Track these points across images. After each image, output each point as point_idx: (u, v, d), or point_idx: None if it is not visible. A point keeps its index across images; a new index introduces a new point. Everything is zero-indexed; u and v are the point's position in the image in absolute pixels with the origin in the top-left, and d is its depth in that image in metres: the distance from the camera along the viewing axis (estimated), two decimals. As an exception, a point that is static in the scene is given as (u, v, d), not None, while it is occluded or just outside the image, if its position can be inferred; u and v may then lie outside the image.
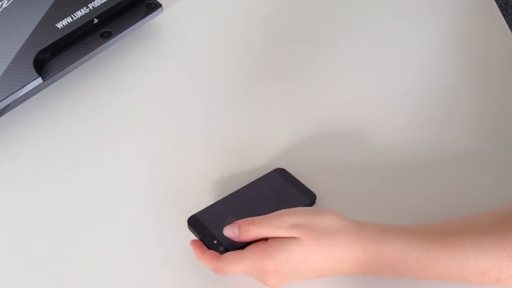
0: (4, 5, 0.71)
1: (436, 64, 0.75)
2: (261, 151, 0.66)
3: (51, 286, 0.56)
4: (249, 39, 0.78)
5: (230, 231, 0.52)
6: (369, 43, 0.77)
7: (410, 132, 0.68)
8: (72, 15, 0.71)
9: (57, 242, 0.59)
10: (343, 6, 0.81)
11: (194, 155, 0.66)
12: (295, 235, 0.50)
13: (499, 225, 0.51)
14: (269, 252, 0.50)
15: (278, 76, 0.74)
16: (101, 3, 0.72)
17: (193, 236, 0.57)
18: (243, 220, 0.53)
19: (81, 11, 0.71)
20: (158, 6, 0.74)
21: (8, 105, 0.65)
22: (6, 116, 0.67)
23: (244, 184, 0.61)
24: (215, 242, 0.54)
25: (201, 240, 0.56)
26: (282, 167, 0.63)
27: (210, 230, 0.56)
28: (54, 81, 0.69)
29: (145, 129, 0.69)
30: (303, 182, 0.62)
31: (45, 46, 0.68)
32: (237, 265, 0.51)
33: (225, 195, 0.61)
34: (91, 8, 0.71)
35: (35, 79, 0.66)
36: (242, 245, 0.53)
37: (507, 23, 0.82)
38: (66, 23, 0.70)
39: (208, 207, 0.59)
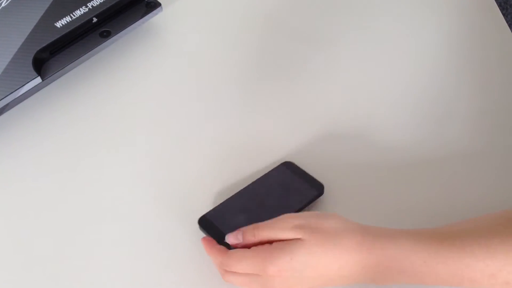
0: (3, 4, 0.71)
1: (436, 64, 0.75)
2: (262, 149, 0.66)
3: (51, 286, 0.56)
4: (249, 38, 0.78)
5: (234, 238, 0.52)
6: (369, 42, 0.77)
7: (410, 130, 0.68)
8: (71, 14, 0.71)
9: (57, 242, 0.59)
10: (343, 6, 0.81)
11: (194, 154, 0.66)
12: (298, 237, 0.50)
13: (506, 226, 0.50)
14: (272, 253, 0.49)
15: (277, 75, 0.74)
16: (100, 2, 0.72)
17: (195, 236, 0.57)
18: (246, 226, 0.52)
19: (80, 10, 0.71)
20: (157, 5, 0.74)
21: (7, 104, 0.65)
22: (5, 115, 0.67)
23: (248, 181, 0.62)
24: (227, 242, 0.54)
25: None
26: (289, 161, 0.63)
27: (221, 230, 0.56)
28: (53, 81, 0.69)
29: (144, 128, 0.68)
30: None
31: (44, 45, 0.68)
32: (241, 263, 0.50)
33: (229, 193, 0.61)
34: (90, 7, 0.71)
35: (34, 79, 0.65)
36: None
37: (507, 22, 0.81)
38: (65, 22, 0.70)
39: (217, 207, 0.59)
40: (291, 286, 0.50)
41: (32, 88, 0.66)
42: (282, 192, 0.60)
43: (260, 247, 0.51)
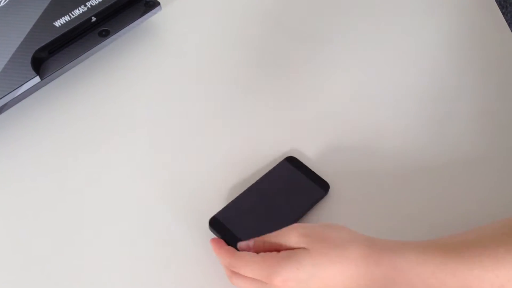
0: (1, 4, 0.71)
1: (436, 63, 0.74)
2: (263, 148, 0.66)
3: (50, 285, 0.56)
4: (248, 38, 0.77)
5: (245, 246, 0.53)
6: (368, 42, 0.77)
7: (412, 131, 0.68)
8: (70, 14, 0.70)
9: (55, 241, 0.59)
10: (343, 6, 0.81)
11: (195, 154, 0.66)
12: (303, 245, 0.49)
13: (510, 235, 0.49)
14: (279, 261, 0.49)
15: (277, 74, 0.73)
16: (99, 2, 0.71)
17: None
18: (257, 238, 0.53)
19: (79, 10, 0.71)
20: (156, 4, 0.74)
21: (6, 104, 0.65)
22: (3, 115, 0.67)
23: (251, 179, 0.62)
24: (237, 242, 0.55)
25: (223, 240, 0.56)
26: (292, 156, 0.64)
27: (232, 231, 0.57)
28: (52, 80, 0.68)
29: (144, 127, 0.68)
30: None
31: (42, 44, 0.67)
32: (248, 266, 0.50)
33: (232, 191, 0.61)
34: (89, 7, 0.71)
35: (32, 78, 0.65)
36: None
37: (506, 21, 0.81)
38: (64, 21, 0.70)
39: (226, 207, 0.59)
40: None
41: (31, 87, 0.66)
42: (289, 190, 0.61)
43: (268, 253, 0.51)
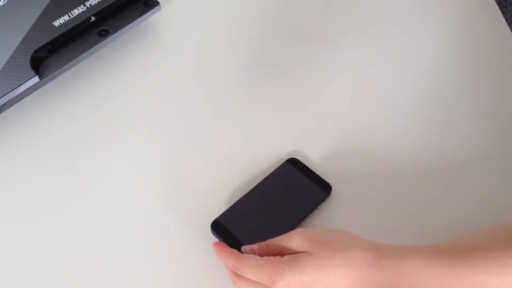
0: (0, 3, 0.71)
1: (436, 64, 0.74)
2: (263, 148, 0.66)
3: (49, 285, 0.56)
4: (248, 37, 0.77)
5: (249, 250, 0.53)
6: (368, 42, 0.77)
7: (413, 132, 0.68)
8: (69, 13, 0.70)
9: (55, 241, 0.59)
10: (343, 6, 0.81)
11: (195, 153, 0.66)
12: (307, 249, 0.49)
13: None
14: (282, 266, 0.49)
15: (277, 74, 0.73)
16: (98, 1, 0.71)
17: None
18: (261, 242, 0.53)
19: (78, 9, 0.71)
20: (155, 4, 0.74)
21: (5, 103, 0.65)
22: (2, 115, 0.67)
23: (252, 181, 0.62)
24: (239, 245, 0.54)
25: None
26: (294, 157, 0.64)
27: (234, 234, 0.56)
28: (51, 80, 0.68)
29: (143, 127, 0.68)
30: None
31: (42, 44, 0.67)
32: (251, 269, 0.50)
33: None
34: (88, 6, 0.71)
35: (31, 78, 0.65)
36: None
37: (507, 20, 0.81)
38: (63, 21, 0.70)
39: (228, 210, 0.59)
40: None
41: (30, 87, 0.66)
42: (291, 191, 0.61)
43: (272, 257, 0.50)
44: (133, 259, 0.58)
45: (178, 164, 0.65)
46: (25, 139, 0.67)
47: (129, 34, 0.76)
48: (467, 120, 0.69)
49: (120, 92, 0.71)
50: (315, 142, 0.66)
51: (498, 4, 0.82)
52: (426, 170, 0.64)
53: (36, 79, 0.66)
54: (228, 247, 0.54)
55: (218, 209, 0.60)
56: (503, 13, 0.85)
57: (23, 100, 0.68)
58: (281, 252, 0.51)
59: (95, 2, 0.71)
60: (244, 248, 0.54)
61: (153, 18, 0.77)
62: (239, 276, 0.52)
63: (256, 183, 0.62)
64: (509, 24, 0.79)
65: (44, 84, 0.68)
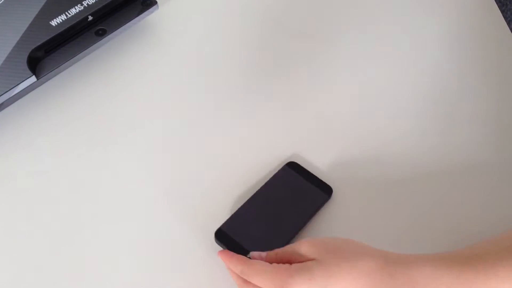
0: (-3, 3, 0.70)
1: (438, 64, 0.74)
2: (263, 149, 0.66)
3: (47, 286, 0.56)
4: (247, 37, 0.77)
5: (257, 256, 0.53)
6: (369, 42, 0.76)
7: (414, 133, 0.67)
8: (66, 13, 0.70)
9: (52, 241, 0.59)
10: (344, 6, 0.80)
11: (194, 154, 0.65)
12: (315, 257, 0.49)
13: None
14: (292, 274, 0.48)
15: (277, 74, 0.73)
16: (95, 1, 0.71)
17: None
18: (269, 251, 0.53)
19: (75, 9, 0.71)
20: (153, 3, 0.73)
21: (2, 103, 0.64)
22: None
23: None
24: (245, 253, 0.54)
25: None
26: (293, 161, 0.63)
27: (239, 242, 0.56)
28: (48, 79, 0.68)
29: (141, 127, 0.68)
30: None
31: (39, 44, 0.67)
32: (260, 275, 0.50)
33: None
34: (86, 6, 0.71)
35: (28, 78, 0.65)
36: None
37: (507, 19, 0.81)
38: (60, 20, 0.70)
39: (231, 218, 0.58)
40: None
41: (27, 87, 0.66)
42: (292, 196, 0.60)
43: (281, 264, 0.50)
44: (135, 259, 0.58)
45: (177, 166, 0.64)
46: (22, 139, 0.67)
47: (126, 33, 0.76)
48: (469, 122, 0.68)
49: (118, 92, 0.71)
50: (315, 144, 0.66)
51: (498, 3, 0.82)
52: (428, 172, 0.64)
53: (33, 79, 0.65)
54: (235, 253, 0.53)
55: (219, 215, 0.59)
56: (503, 11, 0.84)
57: (20, 100, 0.68)
58: (290, 260, 0.51)
59: (93, 2, 0.71)
60: (252, 254, 0.53)
61: (151, 17, 0.77)
62: (246, 282, 0.51)
63: (256, 187, 0.62)
64: (509, 23, 0.79)
65: (41, 84, 0.68)
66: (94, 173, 0.64)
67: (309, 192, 0.61)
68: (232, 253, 0.53)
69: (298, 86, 0.72)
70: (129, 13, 0.73)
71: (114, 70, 0.73)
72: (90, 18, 0.71)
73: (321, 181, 0.62)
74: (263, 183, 0.62)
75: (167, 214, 0.61)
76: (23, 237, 0.59)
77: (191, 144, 0.66)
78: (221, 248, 0.57)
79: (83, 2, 0.71)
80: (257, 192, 0.61)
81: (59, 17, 0.70)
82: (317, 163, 0.64)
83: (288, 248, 0.52)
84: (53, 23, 0.69)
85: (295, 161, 0.64)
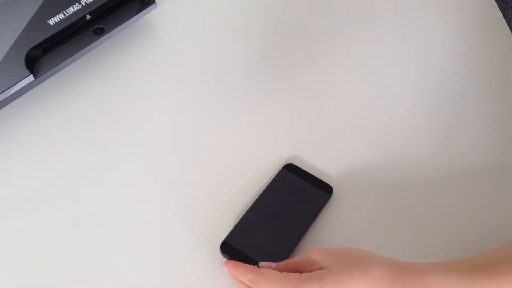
0: (-5, 2, 0.70)
1: (440, 64, 0.74)
2: (262, 150, 0.65)
3: None
4: (246, 36, 0.77)
5: (267, 266, 0.53)
6: (370, 42, 0.76)
7: (414, 133, 0.67)
8: (64, 12, 0.70)
9: (49, 241, 0.59)
10: (344, 6, 0.80)
11: (193, 154, 0.65)
12: (325, 265, 0.49)
13: None
14: (303, 281, 0.48)
15: (276, 73, 0.73)
16: (93, -1, 0.71)
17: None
18: (278, 262, 0.53)
19: (73, 7, 0.70)
20: (151, 2, 0.73)
21: (-1, 103, 0.64)
22: (-3, 114, 0.67)
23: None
24: (252, 263, 0.54)
25: None
26: (290, 163, 0.63)
27: (245, 253, 0.56)
28: (46, 79, 0.68)
29: (139, 126, 0.68)
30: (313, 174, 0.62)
31: (37, 43, 0.67)
32: (270, 284, 0.49)
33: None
34: (84, 4, 0.71)
35: (26, 77, 0.65)
36: None
37: (508, 16, 0.81)
38: (58, 19, 0.69)
39: (234, 228, 0.58)
40: None
41: (25, 86, 0.65)
42: (293, 199, 0.60)
43: (291, 273, 0.50)
44: (133, 260, 0.58)
45: (178, 164, 0.64)
46: (20, 138, 0.67)
47: (125, 32, 0.75)
48: (473, 123, 0.67)
49: (116, 91, 0.71)
50: (312, 145, 0.66)
51: (498, 1, 0.81)
52: (428, 172, 0.64)
53: (31, 78, 0.65)
54: (241, 263, 0.53)
55: (220, 225, 0.59)
56: (504, 9, 0.83)
57: (17, 99, 0.68)
58: (299, 270, 0.51)
59: (91, 0, 0.71)
60: (262, 263, 0.53)
61: (149, 16, 0.77)
62: None
63: (256, 192, 0.61)
64: (509, 21, 0.79)
65: (39, 83, 0.68)
66: (92, 173, 0.64)
67: (309, 193, 0.60)
68: (238, 262, 0.53)
69: (297, 86, 0.71)
70: (127, 12, 0.72)
71: (112, 69, 0.73)
72: (88, 17, 0.70)
73: (320, 180, 0.61)
74: (262, 188, 0.61)
75: (169, 218, 0.61)
76: (20, 237, 0.59)
77: (190, 142, 0.66)
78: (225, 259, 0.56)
79: (81, 1, 0.71)
80: (257, 199, 0.60)
81: (57, 16, 0.70)
82: (315, 163, 0.64)
83: (298, 258, 0.52)
84: (51, 22, 0.69)
85: (292, 162, 0.63)
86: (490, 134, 0.66)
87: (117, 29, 0.71)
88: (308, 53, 0.74)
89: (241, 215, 0.59)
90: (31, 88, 0.67)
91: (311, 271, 0.50)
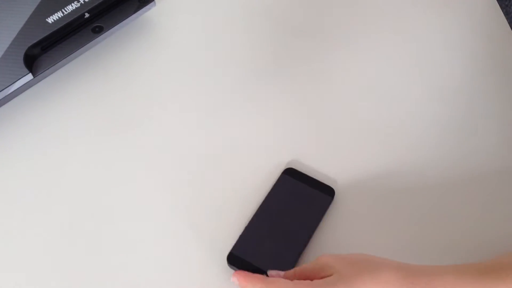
0: (-7, 0, 0.70)
1: (441, 65, 0.73)
2: (262, 152, 0.65)
3: None
4: (245, 33, 0.77)
5: (276, 274, 0.52)
6: (371, 42, 0.76)
7: (414, 133, 0.67)
8: (63, 10, 0.70)
9: (47, 241, 0.59)
10: (345, 6, 0.80)
11: (192, 155, 0.65)
12: (335, 270, 0.49)
13: None
14: (314, 287, 0.48)
15: (276, 73, 0.73)
16: (92, -2, 0.71)
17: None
18: (287, 271, 0.53)
19: (72, 6, 0.70)
20: (150, 0, 0.73)
21: (-2, 101, 0.64)
22: (-4, 112, 0.67)
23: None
24: (260, 273, 0.53)
25: None
26: (290, 167, 0.63)
27: (252, 263, 0.55)
28: (45, 77, 0.68)
29: (138, 125, 0.68)
30: (313, 177, 0.62)
31: (35, 41, 0.67)
32: None
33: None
34: (82, 3, 0.70)
35: (25, 75, 0.65)
36: None
37: (508, 14, 0.80)
38: (57, 17, 0.69)
39: (239, 239, 0.57)
40: None
41: (24, 85, 0.65)
42: (295, 204, 0.59)
43: (302, 281, 0.50)
44: (131, 262, 0.58)
45: (177, 164, 0.64)
46: (19, 137, 0.66)
47: (123, 30, 0.75)
48: (480, 125, 0.67)
49: (115, 89, 0.71)
50: (312, 147, 0.65)
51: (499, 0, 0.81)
52: (433, 175, 0.63)
53: (29, 76, 0.65)
54: (251, 273, 0.53)
55: (224, 234, 0.58)
56: (506, 6, 0.83)
57: (16, 98, 0.68)
58: (309, 277, 0.51)
59: (89, -1, 0.71)
60: (270, 272, 0.53)
61: (148, 14, 0.77)
62: None
63: (257, 198, 0.61)
64: (511, 22, 0.78)
65: (38, 82, 0.68)
66: (91, 172, 0.64)
67: (311, 197, 0.60)
68: (247, 272, 0.53)
69: (297, 87, 0.71)
70: (126, 10, 0.72)
71: (111, 68, 0.73)
72: (87, 15, 0.70)
73: (321, 183, 0.61)
74: (263, 194, 0.61)
75: (162, 208, 0.60)
76: (17, 236, 0.59)
77: (190, 142, 0.66)
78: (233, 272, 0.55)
79: (80, -1, 0.71)
80: (260, 206, 0.59)
81: (56, 14, 0.69)
82: (315, 166, 0.63)
83: (306, 265, 0.52)
84: (50, 20, 0.69)
85: (293, 166, 0.63)
86: (497, 136, 0.66)
87: (115, 27, 0.71)
88: (308, 54, 0.74)
89: (245, 223, 0.59)
90: (29, 87, 0.67)
91: (321, 277, 0.50)
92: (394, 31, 0.77)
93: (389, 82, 0.71)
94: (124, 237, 0.59)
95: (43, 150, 0.65)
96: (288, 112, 0.68)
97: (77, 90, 0.71)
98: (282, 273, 0.53)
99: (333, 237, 0.58)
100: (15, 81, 0.64)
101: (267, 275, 0.53)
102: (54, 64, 0.67)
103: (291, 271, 0.52)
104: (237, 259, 0.56)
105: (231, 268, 0.56)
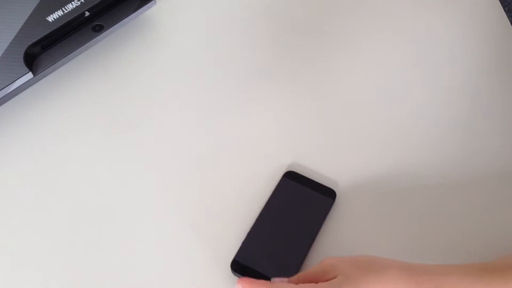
0: (-7, -2, 0.70)
1: (442, 64, 0.73)
2: (262, 154, 0.65)
3: None
4: (246, 33, 0.76)
5: (279, 281, 0.52)
6: (372, 42, 0.75)
7: (414, 133, 0.67)
8: (63, 8, 0.70)
9: (47, 243, 0.59)
10: (346, 4, 0.79)
11: (192, 154, 0.65)
12: (339, 272, 0.49)
13: None
14: None
15: (276, 73, 0.72)
16: (92, -4, 0.71)
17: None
18: (290, 278, 0.52)
19: (72, 4, 0.70)
20: (150, -2, 0.73)
21: (-2, 100, 0.64)
22: (-4, 111, 0.67)
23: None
24: (264, 279, 0.53)
25: None
26: (290, 170, 0.62)
27: (256, 269, 0.55)
28: (45, 76, 0.68)
29: (138, 124, 0.68)
30: (314, 179, 0.61)
31: (35, 40, 0.67)
32: None
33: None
34: (82, 1, 0.70)
35: (25, 74, 0.65)
36: None
37: (510, 12, 0.80)
38: (57, 16, 0.69)
39: (242, 245, 0.57)
40: None
41: (24, 83, 0.65)
42: (297, 208, 0.59)
43: (307, 284, 0.50)
44: (129, 262, 0.58)
45: (176, 164, 0.64)
46: (19, 136, 0.66)
47: (124, 29, 0.75)
48: (483, 126, 0.66)
49: (115, 88, 0.71)
50: (312, 149, 0.65)
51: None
52: (435, 175, 0.63)
53: (29, 75, 0.65)
54: (256, 279, 0.52)
55: (227, 240, 0.58)
56: (508, 4, 0.83)
57: (16, 97, 0.68)
58: (313, 280, 0.50)
59: (90, -3, 0.71)
60: (274, 280, 0.53)
61: (148, 13, 0.77)
62: None
63: (259, 202, 0.60)
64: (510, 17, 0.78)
65: (38, 81, 0.68)
66: (90, 172, 0.64)
67: (312, 200, 0.59)
68: (252, 279, 0.52)
69: (297, 88, 0.71)
70: (126, 8, 0.72)
71: (112, 66, 0.73)
72: (87, 13, 0.70)
73: (322, 185, 0.61)
74: (265, 198, 0.60)
75: (161, 208, 0.60)
76: (16, 236, 0.59)
77: (189, 142, 0.66)
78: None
79: (80, -2, 0.71)
80: (261, 211, 0.59)
81: (56, 12, 0.69)
82: (316, 168, 0.63)
83: (310, 270, 0.52)
84: (50, 18, 0.69)
85: (293, 169, 0.62)
86: (499, 137, 0.66)
87: (116, 26, 0.71)
88: (309, 54, 0.74)
89: (246, 228, 0.58)
90: (30, 86, 0.67)
91: (326, 280, 0.49)
92: (395, 31, 0.76)
93: (390, 82, 0.71)
94: (124, 236, 0.59)
95: (43, 149, 0.65)
96: (288, 112, 0.68)
97: (77, 89, 0.70)
98: (285, 280, 0.52)
99: (336, 239, 0.58)
100: (15, 80, 0.64)
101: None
102: (54, 63, 0.67)
103: (295, 277, 0.52)
104: (241, 266, 0.55)
105: (235, 275, 0.56)
